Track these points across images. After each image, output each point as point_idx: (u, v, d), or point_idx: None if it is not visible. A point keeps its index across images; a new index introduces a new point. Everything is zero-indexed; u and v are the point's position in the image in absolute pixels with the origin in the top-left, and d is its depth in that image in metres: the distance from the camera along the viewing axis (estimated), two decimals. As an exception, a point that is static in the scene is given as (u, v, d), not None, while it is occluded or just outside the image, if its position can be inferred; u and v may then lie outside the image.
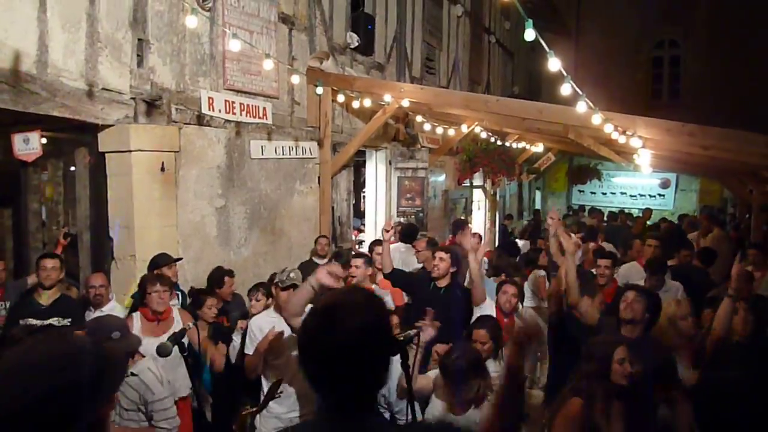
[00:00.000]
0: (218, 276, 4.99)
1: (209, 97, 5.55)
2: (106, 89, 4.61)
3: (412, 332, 1.70)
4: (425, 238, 6.43)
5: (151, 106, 4.97)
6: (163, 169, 5.03)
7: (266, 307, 4.20)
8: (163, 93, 5.06)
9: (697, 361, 3.59)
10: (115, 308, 4.51)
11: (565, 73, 3.76)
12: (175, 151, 5.17)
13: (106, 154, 4.95)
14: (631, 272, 6.09)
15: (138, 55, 4.89)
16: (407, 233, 6.95)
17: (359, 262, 4.84)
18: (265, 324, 3.79)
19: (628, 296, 3.57)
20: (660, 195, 17.70)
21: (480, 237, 6.48)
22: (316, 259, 6.42)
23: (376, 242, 5.68)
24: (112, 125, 4.75)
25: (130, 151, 4.81)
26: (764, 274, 5.73)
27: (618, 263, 6.31)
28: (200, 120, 5.46)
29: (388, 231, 4.92)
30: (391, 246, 7.03)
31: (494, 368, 3.43)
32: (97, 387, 1.17)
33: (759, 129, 5.56)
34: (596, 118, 5.02)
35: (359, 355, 1.30)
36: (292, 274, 3.87)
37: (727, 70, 14.62)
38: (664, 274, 5.48)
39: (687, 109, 11.65)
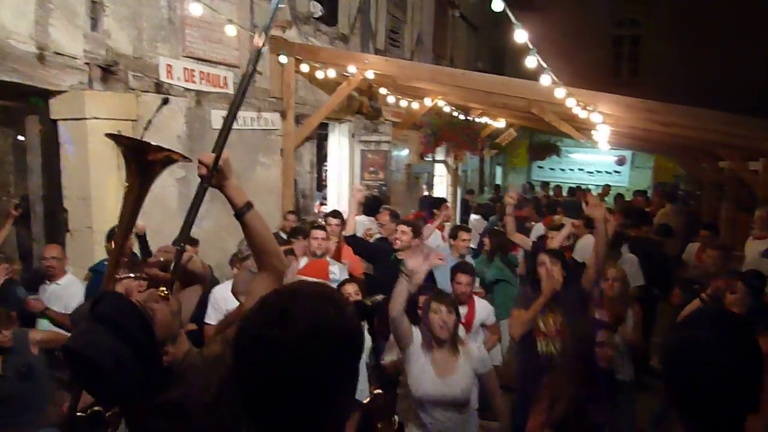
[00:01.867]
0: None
1: (168, 64, 5.37)
2: (59, 53, 4.40)
3: (379, 297, 1.71)
4: (388, 211, 6.45)
5: (107, 72, 4.78)
6: (120, 138, 4.86)
7: None
8: (119, 59, 4.87)
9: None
10: (71, 282, 4.40)
11: (531, 46, 3.78)
12: (132, 120, 5.00)
13: (59, 122, 4.75)
14: (587, 245, 6.24)
15: (92, 18, 4.68)
16: (370, 206, 6.96)
17: (334, 221, 4.86)
18: (227, 293, 3.80)
19: (544, 260, 3.74)
20: (616, 172, 18.17)
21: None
22: (282, 234, 6.36)
23: (331, 214, 5.65)
24: (66, 91, 4.56)
25: (85, 118, 4.63)
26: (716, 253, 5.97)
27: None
28: (159, 88, 5.29)
29: (360, 191, 4.98)
30: (357, 218, 7.08)
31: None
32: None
33: (715, 108, 5.76)
34: (560, 92, 5.09)
35: (319, 364, 0.98)
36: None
37: (686, 51, 14.96)
38: (620, 246, 5.65)
39: (645, 88, 11.88)
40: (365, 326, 1.57)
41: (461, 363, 3.12)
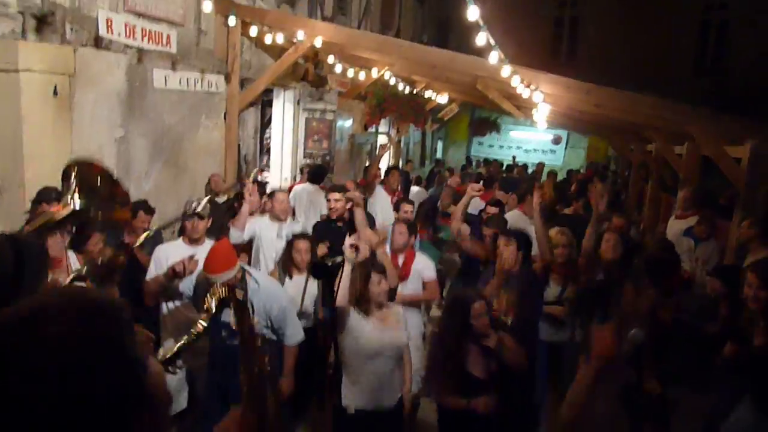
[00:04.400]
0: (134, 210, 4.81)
1: (108, 18, 5.12)
2: (-11, -1, 4.13)
3: (339, 259, 1.79)
4: (351, 181, 6.52)
5: (42, 22, 4.52)
6: (56, 93, 4.64)
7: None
8: (56, 9, 4.61)
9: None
10: None
11: (481, 23, 3.87)
12: (69, 74, 4.77)
13: (-12, 73, 4.48)
14: (516, 219, 6.51)
15: (26, -36, 4.40)
16: (316, 173, 6.95)
17: (337, 195, 4.94)
18: (173, 252, 3.81)
19: (500, 242, 3.91)
20: (551, 151, 18.80)
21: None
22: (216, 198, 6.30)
23: (276, 190, 5.54)
24: (-4, 40, 4.29)
25: (18, 70, 4.37)
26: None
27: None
28: (98, 42, 5.05)
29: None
30: (299, 186, 7.09)
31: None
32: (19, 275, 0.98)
33: (645, 93, 6.08)
34: (506, 70, 5.23)
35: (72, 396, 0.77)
36: (194, 204, 3.86)
37: (621, 35, 15.52)
38: (552, 223, 5.93)
39: (582, 70, 12.30)
40: (324, 283, 1.64)
41: (396, 318, 3.37)
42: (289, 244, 4.11)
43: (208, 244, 3.83)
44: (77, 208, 2.29)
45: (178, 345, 1.94)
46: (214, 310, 2.09)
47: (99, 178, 2.52)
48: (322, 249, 4.52)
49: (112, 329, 0.85)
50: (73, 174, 2.34)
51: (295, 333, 3.55)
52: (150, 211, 4.83)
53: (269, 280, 3.62)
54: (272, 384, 2.96)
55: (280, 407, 2.90)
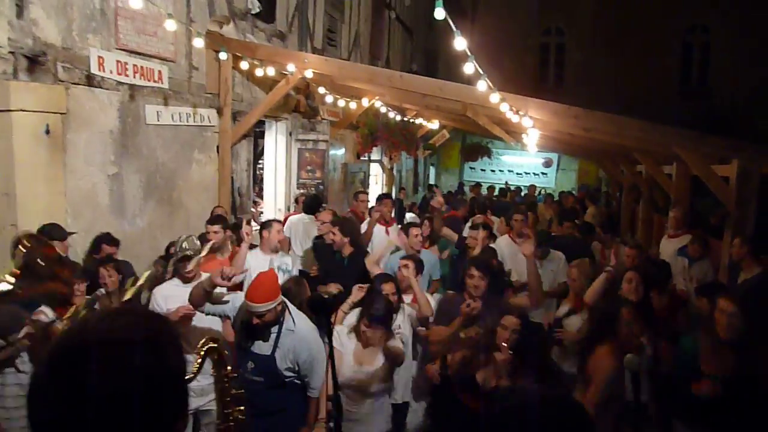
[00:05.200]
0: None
1: (99, 57, 5.18)
2: (-19, 41, 4.18)
3: (335, 291, 1.79)
4: (329, 210, 6.49)
5: (34, 62, 4.56)
6: (48, 132, 4.66)
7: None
8: (47, 49, 4.66)
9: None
10: (-6, 281, 4.19)
11: (469, 53, 3.94)
12: (62, 113, 4.80)
13: (-19, 114, 4.51)
14: (504, 246, 6.49)
15: (17, 5, 4.46)
16: (310, 204, 6.97)
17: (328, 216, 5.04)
18: (170, 293, 3.79)
19: (473, 274, 3.92)
20: (543, 173, 18.95)
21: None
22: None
23: (267, 223, 5.45)
24: (-12, 81, 4.33)
25: (10, 110, 4.41)
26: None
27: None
28: (90, 80, 5.10)
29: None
30: (294, 217, 7.10)
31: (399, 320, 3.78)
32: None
33: (632, 116, 6.17)
34: (494, 97, 5.31)
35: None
36: (185, 244, 3.83)
37: (606, 60, 15.82)
38: (548, 244, 5.95)
39: (569, 95, 12.50)
40: (323, 319, 1.65)
41: (381, 359, 3.35)
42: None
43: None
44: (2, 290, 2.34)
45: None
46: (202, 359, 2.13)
47: (44, 258, 2.60)
48: (334, 288, 4.48)
49: (168, 328, 0.97)
50: (17, 251, 2.41)
51: (320, 385, 3.31)
52: (115, 242, 4.84)
53: (308, 323, 3.39)
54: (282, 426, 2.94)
55: None
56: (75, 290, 3.75)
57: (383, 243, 5.59)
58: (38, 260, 2.54)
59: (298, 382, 3.32)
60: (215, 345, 2.12)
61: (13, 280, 2.36)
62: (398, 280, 3.99)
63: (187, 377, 2.11)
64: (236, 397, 2.30)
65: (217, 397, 2.41)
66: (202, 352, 2.09)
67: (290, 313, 3.29)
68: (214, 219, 5.32)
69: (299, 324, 3.29)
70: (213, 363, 2.17)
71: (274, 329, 3.12)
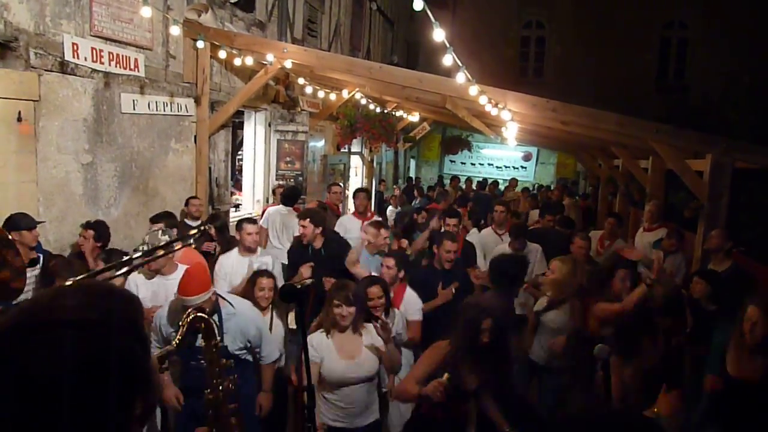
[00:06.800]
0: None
1: (73, 43, 5.07)
2: (-51, 25, 4.07)
3: (308, 281, 1.79)
4: (315, 201, 6.45)
5: (5, 48, 4.45)
6: (20, 119, 4.56)
7: None
8: (19, 35, 4.55)
9: None
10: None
11: (447, 44, 3.94)
12: (34, 100, 4.70)
13: (-51, 100, 4.39)
14: (486, 237, 6.56)
15: (-12, -11, 4.35)
16: (289, 195, 6.94)
17: (306, 222, 4.90)
18: (141, 281, 3.81)
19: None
20: (522, 167, 19.09)
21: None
22: (188, 221, 6.19)
23: (239, 224, 5.20)
24: (-43, 67, 4.22)
25: (-20, 97, 4.31)
26: (614, 242, 6.49)
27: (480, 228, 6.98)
28: (63, 67, 5.00)
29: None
30: (272, 208, 7.06)
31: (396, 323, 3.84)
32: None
33: (610, 109, 6.24)
34: (473, 90, 5.32)
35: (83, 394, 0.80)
36: (160, 235, 3.80)
37: (585, 54, 15.95)
38: (525, 237, 6.01)
39: (549, 88, 12.59)
40: (295, 308, 1.64)
41: (365, 343, 3.35)
42: (252, 282, 4.05)
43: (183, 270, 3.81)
44: None
45: (161, 350, 1.99)
46: (185, 329, 2.12)
47: None
48: (307, 271, 4.50)
49: (126, 307, 0.91)
50: None
51: (271, 351, 3.64)
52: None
53: (243, 302, 3.62)
54: (242, 405, 2.94)
55: (244, 428, 2.85)
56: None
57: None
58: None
59: (250, 357, 3.53)
60: (202, 315, 2.12)
61: None
62: (385, 282, 3.96)
63: (169, 347, 2.11)
64: (225, 367, 2.30)
65: (207, 366, 2.40)
66: (186, 324, 2.08)
67: (224, 298, 3.45)
68: (156, 217, 5.29)
69: (237, 305, 3.48)
70: (201, 333, 2.18)
71: (215, 318, 3.14)
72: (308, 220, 4.89)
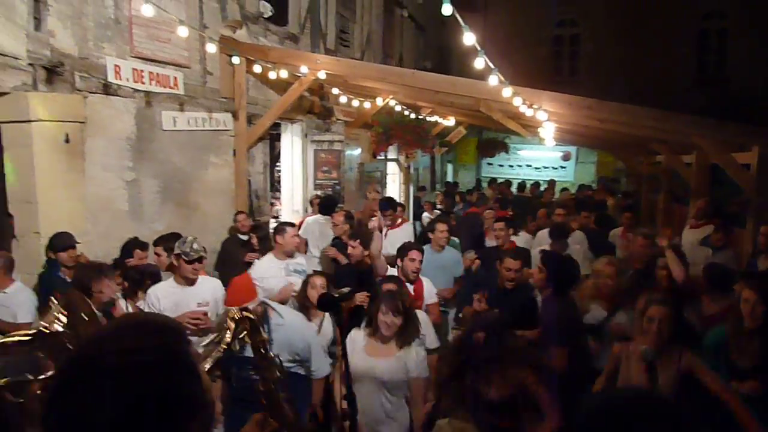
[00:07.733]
0: (126, 247, 4.90)
1: (116, 65, 5.28)
2: (1, 54, 4.27)
3: (346, 290, 1.80)
4: (342, 211, 6.52)
5: (52, 72, 4.67)
6: (67, 141, 4.76)
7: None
8: (64, 59, 4.76)
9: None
10: (19, 289, 4.26)
11: (478, 48, 3.93)
12: (80, 122, 4.90)
13: (2, 125, 4.61)
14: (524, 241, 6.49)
15: (35, 18, 4.57)
16: (326, 205, 6.99)
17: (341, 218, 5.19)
18: (162, 293, 3.83)
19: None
20: (562, 167, 18.75)
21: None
22: (240, 236, 6.43)
23: (280, 228, 5.23)
24: (8, 93, 4.43)
25: (30, 121, 4.52)
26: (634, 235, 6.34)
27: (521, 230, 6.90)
28: (107, 89, 5.20)
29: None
30: (310, 218, 7.13)
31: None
32: None
33: (648, 105, 6.10)
34: (506, 92, 5.28)
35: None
36: (195, 245, 3.84)
37: (621, 50, 15.61)
38: (567, 238, 5.92)
39: (584, 86, 12.36)
40: (333, 317, 1.66)
41: (398, 355, 3.32)
42: (305, 282, 4.11)
43: (206, 281, 3.94)
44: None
45: (212, 357, 2.03)
46: (234, 330, 2.15)
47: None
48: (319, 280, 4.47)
49: (175, 340, 0.99)
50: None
51: (321, 366, 3.51)
52: (145, 246, 4.95)
53: (294, 314, 3.57)
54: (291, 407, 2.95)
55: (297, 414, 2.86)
56: None
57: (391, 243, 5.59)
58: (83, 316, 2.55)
59: (301, 370, 3.41)
60: (247, 314, 2.13)
61: (65, 320, 2.32)
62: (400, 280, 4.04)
63: (223, 347, 2.15)
64: (272, 360, 2.32)
65: (256, 363, 2.41)
66: (233, 324, 2.11)
67: (273, 309, 3.38)
68: (159, 239, 5.07)
69: (286, 316, 3.40)
70: (246, 332, 2.19)
71: (264, 329, 3.16)
72: (358, 241, 4.90)
